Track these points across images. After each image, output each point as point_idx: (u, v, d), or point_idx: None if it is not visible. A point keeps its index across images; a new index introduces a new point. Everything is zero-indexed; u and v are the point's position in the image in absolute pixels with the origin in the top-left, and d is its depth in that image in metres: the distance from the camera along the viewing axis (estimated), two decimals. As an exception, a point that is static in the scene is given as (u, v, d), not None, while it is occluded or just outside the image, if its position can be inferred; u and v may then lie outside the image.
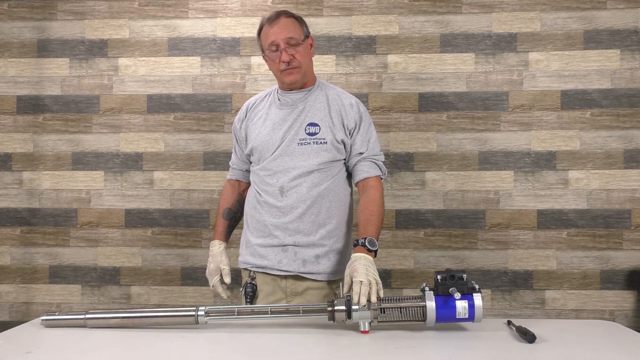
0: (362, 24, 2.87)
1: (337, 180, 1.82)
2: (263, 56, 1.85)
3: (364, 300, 1.47)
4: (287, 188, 1.77)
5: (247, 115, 1.92)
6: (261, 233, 1.82)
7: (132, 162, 2.94)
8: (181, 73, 2.93)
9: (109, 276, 2.94)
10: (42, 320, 1.58)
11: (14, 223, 2.98)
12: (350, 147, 1.83)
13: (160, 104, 2.93)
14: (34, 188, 2.97)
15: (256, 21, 2.89)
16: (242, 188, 1.99)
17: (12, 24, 2.98)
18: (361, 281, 1.50)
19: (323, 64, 2.87)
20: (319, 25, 2.88)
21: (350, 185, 1.90)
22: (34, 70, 2.98)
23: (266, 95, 1.94)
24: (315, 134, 1.79)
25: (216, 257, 1.88)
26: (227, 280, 1.84)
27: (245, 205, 1.93)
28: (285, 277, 1.80)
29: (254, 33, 2.89)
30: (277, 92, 1.89)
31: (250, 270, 1.85)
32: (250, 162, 1.92)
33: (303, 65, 1.79)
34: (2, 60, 2.99)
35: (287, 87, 1.84)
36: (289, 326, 1.58)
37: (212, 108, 2.91)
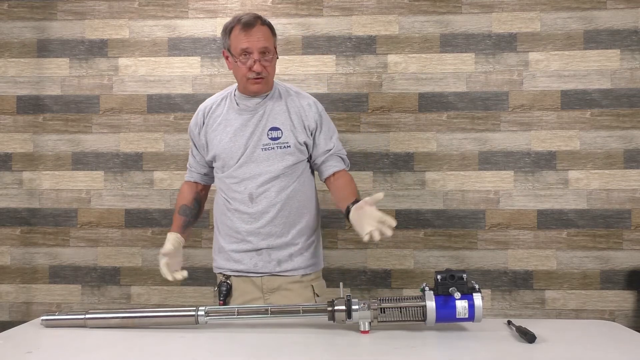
0: (362, 24, 2.87)
1: (303, 180, 1.87)
2: (225, 54, 1.84)
3: (389, 233, 1.52)
4: (256, 194, 1.80)
5: (205, 121, 1.91)
6: (234, 239, 1.84)
7: (132, 162, 2.94)
8: (181, 73, 2.93)
9: (109, 276, 2.94)
10: (42, 320, 1.58)
11: (14, 223, 2.98)
12: (314, 147, 1.87)
13: (160, 104, 2.93)
14: (34, 188, 2.97)
15: (256, 21, 2.89)
16: (199, 188, 2.01)
17: (12, 24, 2.98)
18: (374, 220, 1.55)
19: (323, 64, 2.87)
20: (319, 25, 2.88)
21: (314, 180, 1.95)
22: (34, 70, 2.98)
23: (222, 98, 1.92)
24: (278, 138, 1.81)
25: (169, 250, 1.79)
26: (180, 276, 1.76)
27: (214, 211, 1.95)
28: (261, 276, 1.83)
29: (254, 33, 2.90)
30: (235, 96, 1.88)
31: (224, 275, 1.88)
32: (212, 167, 1.93)
33: (270, 75, 1.81)
34: (2, 60, 2.99)
35: (251, 94, 1.84)
36: (289, 326, 1.58)
37: (212, 108, 2.91)
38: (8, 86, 2.99)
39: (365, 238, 1.55)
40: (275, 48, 1.82)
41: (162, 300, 2.92)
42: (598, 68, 2.79)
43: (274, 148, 1.80)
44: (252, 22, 1.75)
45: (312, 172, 1.95)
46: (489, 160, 2.83)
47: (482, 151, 2.83)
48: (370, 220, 1.56)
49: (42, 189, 2.97)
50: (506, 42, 2.82)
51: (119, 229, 2.94)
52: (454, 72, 2.84)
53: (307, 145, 1.85)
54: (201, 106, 1.96)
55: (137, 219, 2.93)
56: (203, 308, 1.54)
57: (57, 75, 2.97)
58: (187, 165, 2.03)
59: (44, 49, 2.97)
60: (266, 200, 1.79)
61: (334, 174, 1.88)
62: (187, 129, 2.91)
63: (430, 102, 2.85)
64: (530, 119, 2.81)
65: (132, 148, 2.94)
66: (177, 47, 2.93)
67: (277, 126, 1.82)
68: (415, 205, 2.85)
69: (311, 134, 1.85)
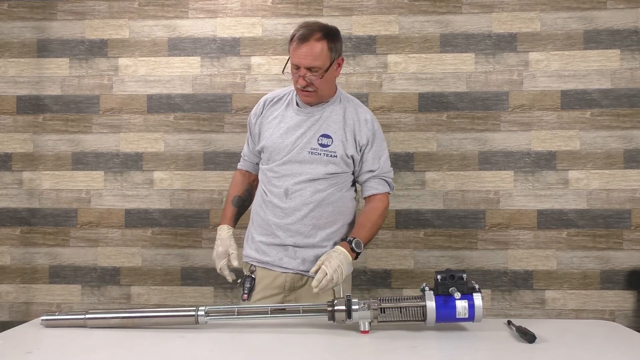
0: (362, 24, 2.87)
1: (342, 188, 1.87)
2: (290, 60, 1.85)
3: (316, 291, 1.62)
4: (292, 191, 1.81)
5: (264, 112, 1.92)
6: (264, 231, 1.86)
7: (132, 162, 2.94)
8: (181, 73, 2.93)
9: (109, 276, 2.94)
10: (42, 320, 1.58)
11: (14, 223, 2.98)
12: (361, 164, 1.87)
13: (160, 104, 2.93)
14: (34, 188, 2.97)
15: (256, 21, 2.90)
16: (252, 178, 2.02)
17: (12, 24, 2.98)
18: (327, 273, 1.62)
19: (323, 64, 2.87)
20: (319, 25, 2.87)
21: (355, 193, 1.94)
22: (34, 70, 2.98)
23: (285, 94, 1.93)
24: (328, 145, 1.82)
25: (225, 240, 1.86)
26: (235, 263, 1.83)
27: (253, 202, 1.98)
28: (285, 273, 1.84)
29: (254, 33, 2.90)
30: (297, 95, 1.89)
31: (252, 265, 1.89)
32: (260, 158, 1.95)
33: (320, 90, 1.79)
34: (2, 60, 2.99)
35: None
36: (289, 326, 1.58)
37: (212, 108, 2.91)
38: (8, 86, 2.99)
39: (314, 283, 1.64)
40: (332, 62, 1.77)
41: (162, 300, 2.92)
42: (598, 68, 2.79)
43: (320, 154, 1.81)
44: (304, 37, 1.73)
45: (355, 184, 1.95)
46: (489, 160, 2.83)
47: (482, 151, 2.83)
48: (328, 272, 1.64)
49: (42, 189, 2.97)
50: (506, 42, 2.82)
51: (119, 229, 2.94)
52: (454, 72, 2.84)
53: (354, 159, 1.85)
54: (264, 97, 1.97)
55: (137, 219, 2.93)
56: (203, 308, 1.54)
57: (57, 75, 2.97)
58: (242, 154, 2.04)
59: (44, 49, 2.97)
60: (300, 198, 1.81)
61: (372, 196, 1.89)
62: (187, 129, 2.92)
63: (430, 102, 2.85)
64: (530, 119, 2.81)
65: (132, 148, 2.94)
66: (177, 47, 2.93)
67: (329, 134, 1.82)
68: (415, 205, 2.85)
69: (360, 150, 1.85)
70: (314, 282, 1.62)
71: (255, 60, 2.89)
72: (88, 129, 2.96)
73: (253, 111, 1.96)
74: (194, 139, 2.92)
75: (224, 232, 1.88)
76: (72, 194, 2.96)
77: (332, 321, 1.50)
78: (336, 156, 1.81)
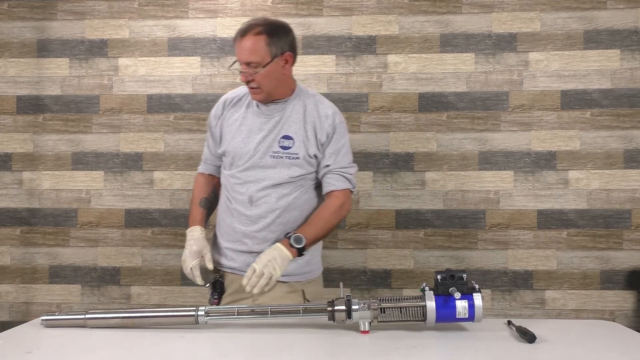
0: (362, 24, 2.87)
1: (308, 190, 1.83)
2: None
3: (248, 289, 1.58)
4: (256, 198, 1.78)
5: (224, 113, 1.88)
6: (231, 237, 1.83)
7: (132, 162, 2.94)
8: (181, 73, 2.93)
9: (109, 276, 2.94)
10: (42, 320, 1.58)
11: (14, 223, 2.98)
12: (320, 160, 1.82)
13: (160, 104, 2.93)
14: (34, 188, 2.97)
15: (256, 21, 2.89)
16: (215, 181, 1.97)
17: (12, 24, 2.98)
18: (255, 269, 1.60)
19: (323, 64, 2.87)
20: (319, 25, 2.88)
21: (321, 194, 1.88)
22: (34, 70, 2.98)
23: (245, 94, 1.88)
24: (289, 147, 1.77)
25: (199, 241, 1.80)
26: (210, 266, 1.78)
27: (218, 207, 1.94)
28: None
29: (254, 33, 2.90)
30: None
31: (220, 269, 1.86)
32: (222, 161, 1.91)
33: (264, 87, 1.73)
34: (2, 60, 2.99)
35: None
36: (289, 326, 1.58)
37: (212, 108, 2.90)
38: (8, 86, 2.99)
39: (244, 281, 1.62)
40: (274, 58, 1.72)
41: (162, 300, 2.92)
42: (598, 68, 2.79)
43: (282, 157, 1.77)
44: (244, 31, 1.70)
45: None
46: (489, 160, 2.83)
47: (482, 151, 2.83)
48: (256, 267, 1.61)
49: (42, 189, 2.97)
50: (506, 42, 2.82)
51: (119, 229, 2.94)
52: (454, 72, 2.84)
53: (317, 158, 1.81)
54: (224, 97, 1.93)
55: (137, 219, 2.93)
56: (203, 308, 1.54)
57: (57, 75, 2.97)
58: (202, 157, 1.99)
59: (44, 49, 2.97)
60: (266, 205, 1.77)
61: (329, 193, 1.82)
62: (187, 129, 2.92)
63: (430, 102, 2.85)
64: (530, 119, 2.81)
65: (132, 148, 2.94)
66: (177, 47, 2.93)
67: (290, 135, 1.78)
68: (415, 205, 2.85)
69: (322, 146, 1.81)
70: (244, 280, 1.60)
71: (255, 60, 2.89)
72: (88, 129, 2.96)
73: (213, 112, 1.92)
74: (194, 139, 2.92)
75: (198, 232, 1.83)
76: (72, 194, 2.96)
77: (332, 321, 1.50)
78: (298, 158, 1.77)
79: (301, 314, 1.53)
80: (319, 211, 1.79)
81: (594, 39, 2.79)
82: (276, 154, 1.77)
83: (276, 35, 1.72)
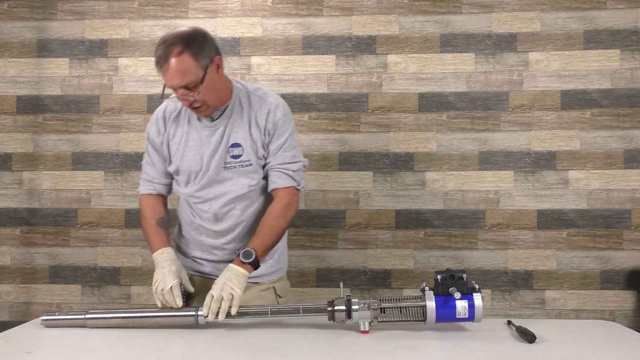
0: (362, 24, 2.87)
1: (268, 195, 1.78)
2: None
3: (211, 317, 1.51)
4: (221, 214, 1.75)
5: (167, 130, 1.78)
6: (199, 249, 1.81)
7: (132, 162, 2.94)
8: (181, 73, 2.92)
9: (109, 276, 2.94)
10: (42, 320, 1.58)
11: (14, 223, 2.98)
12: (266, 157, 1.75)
13: (160, 104, 2.92)
14: (34, 188, 2.97)
15: (256, 21, 2.90)
16: (164, 201, 1.86)
17: (12, 24, 2.98)
18: (213, 295, 1.52)
19: (323, 64, 2.87)
20: (319, 25, 2.88)
21: None
22: (34, 70, 2.98)
23: (181, 107, 1.78)
24: (239, 156, 1.71)
25: (176, 261, 1.69)
26: (191, 288, 1.69)
27: (179, 213, 1.88)
28: None
29: (254, 33, 2.90)
30: None
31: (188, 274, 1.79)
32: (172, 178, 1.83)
33: (209, 101, 1.65)
34: (2, 60, 2.99)
35: None
36: (289, 326, 1.58)
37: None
38: (8, 86, 2.99)
39: (205, 311, 1.53)
40: (207, 69, 1.60)
41: (162, 300, 2.91)
42: (598, 68, 2.79)
43: (236, 167, 1.71)
44: (164, 57, 1.57)
45: None
46: (489, 160, 2.83)
47: (482, 151, 2.83)
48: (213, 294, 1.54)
49: (42, 189, 2.97)
50: (506, 42, 2.82)
51: (119, 229, 2.94)
52: (454, 72, 2.84)
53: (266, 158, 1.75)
54: (159, 112, 1.81)
55: (137, 219, 2.93)
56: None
57: (57, 75, 2.97)
58: (145, 177, 1.85)
59: (44, 49, 2.97)
60: (232, 218, 1.75)
61: (273, 191, 1.74)
62: (187, 129, 2.92)
63: (430, 102, 2.85)
64: (530, 119, 2.81)
65: (132, 148, 2.94)
66: (177, 47, 2.93)
67: (238, 142, 1.71)
68: (415, 205, 2.85)
69: (267, 144, 1.73)
70: (204, 310, 1.52)
71: (255, 60, 2.89)
72: (88, 129, 2.96)
73: (153, 130, 1.80)
74: (194, 139, 2.91)
75: (172, 253, 1.71)
76: (72, 194, 2.96)
77: (332, 321, 1.50)
78: (251, 164, 1.71)
79: (301, 314, 1.53)
80: (265, 218, 1.70)
81: (594, 39, 2.79)
82: (229, 164, 1.71)
83: (197, 46, 1.60)
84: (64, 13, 2.97)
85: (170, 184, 1.86)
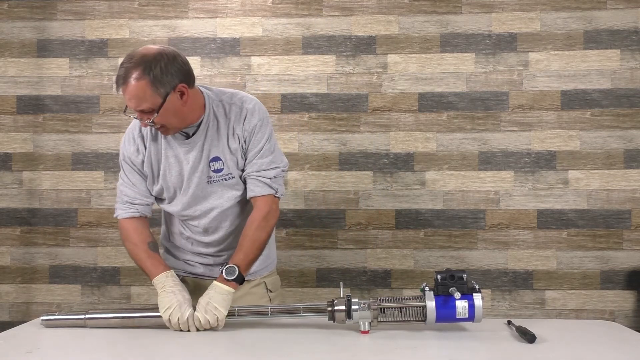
0: (362, 24, 2.87)
1: None
2: None
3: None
4: (211, 229, 1.75)
5: (148, 149, 1.71)
6: (190, 252, 1.82)
7: (132, 162, 2.93)
8: (181, 73, 2.92)
9: (109, 276, 2.94)
10: (42, 320, 1.58)
11: (14, 223, 2.98)
12: None
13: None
14: (34, 188, 2.97)
15: (256, 21, 2.90)
16: (147, 223, 1.79)
17: (12, 24, 2.98)
18: (200, 319, 1.51)
19: (323, 64, 2.87)
20: (319, 25, 2.88)
21: None
22: (34, 70, 2.98)
23: None
24: (221, 170, 1.69)
25: (184, 287, 1.64)
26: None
27: (165, 218, 1.86)
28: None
29: (254, 33, 2.90)
30: None
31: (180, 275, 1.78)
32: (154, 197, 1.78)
33: (169, 125, 1.60)
34: (2, 60, 2.99)
35: None
36: (289, 326, 1.58)
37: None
38: (8, 86, 2.99)
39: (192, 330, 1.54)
40: (166, 97, 1.54)
41: (162, 300, 2.91)
42: (598, 68, 2.79)
43: (219, 180, 1.69)
44: (123, 78, 1.52)
45: None
46: (489, 160, 2.83)
47: (482, 151, 2.83)
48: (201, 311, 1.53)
49: (42, 189, 2.97)
50: (506, 42, 2.82)
51: (118, 229, 2.93)
52: (454, 72, 2.84)
53: None
54: (134, 131, 1.73)
55: (137, 219, 2.93)
56: (203, 308, 1.54)
57: (57, 75, 2.97)
58: (124, 200, 1.76)
59: (44, 49, 2.97)
60: (222, 230, 1.75)
61: (252, 199, 1.70)
62: (187, 129, 2.92)
63: (430, 102, 2.85)
64: (530, 119, 2.81)
65: (132, 148, 2.94)
66: (177, 47, 2.93)
67: (218, 155, 1.68)
68: (415, 205, 2.85)
69: (245, 152, 1.70)
70: (191, 329, 1.53)
71: (255, 60, 2.89)
72: (88, 129, 2.96)
73: (130, 149, 1.72)
74: (194, 139, 2.91)
75: (177, 277, 1.65)
76: (72, 194, 2.96)
77: (332, 321, 1.50)
78: (233, 177, 1.70)
79: (301, 314, 1.54)
80: (245, 231, 1.66)
81: (594, 39, 2.79)
82: (212, 179, 1.69)
83: (159, 73, 1.53)
84: (64, 13, 2.97)
85: (152, 203, 1.80)
